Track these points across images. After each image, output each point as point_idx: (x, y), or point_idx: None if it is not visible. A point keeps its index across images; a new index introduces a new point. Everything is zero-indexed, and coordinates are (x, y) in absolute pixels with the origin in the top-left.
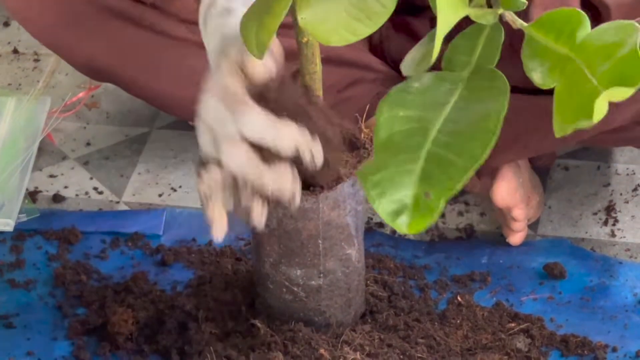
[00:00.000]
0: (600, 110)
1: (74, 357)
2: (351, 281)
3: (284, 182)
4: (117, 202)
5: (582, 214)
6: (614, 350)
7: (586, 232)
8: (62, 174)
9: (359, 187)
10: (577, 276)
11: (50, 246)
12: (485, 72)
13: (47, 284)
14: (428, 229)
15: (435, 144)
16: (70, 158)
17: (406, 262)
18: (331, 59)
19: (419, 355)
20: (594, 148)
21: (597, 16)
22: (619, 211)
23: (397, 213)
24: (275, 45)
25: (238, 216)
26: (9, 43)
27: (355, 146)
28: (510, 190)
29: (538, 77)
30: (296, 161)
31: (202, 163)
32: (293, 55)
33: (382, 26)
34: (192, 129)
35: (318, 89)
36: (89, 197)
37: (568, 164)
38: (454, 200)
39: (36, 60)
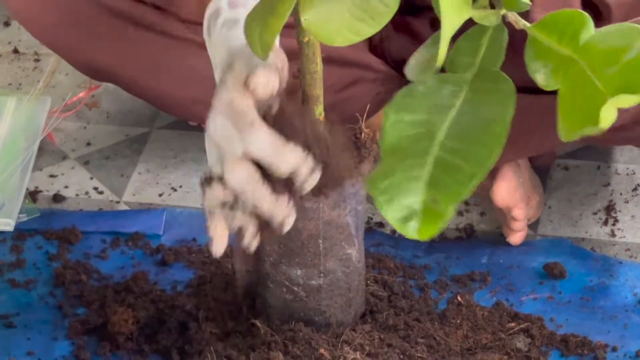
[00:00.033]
0: (607, 117)
1: (74, 356)
2: (351, 281)
3: (278, 206)
4: (118, 202)
5: (582, 213)
6: (614, 350)
7: (586, 232)
8: (62, 174)
9: (360, 186)
10: (577, 276)
11: (51, 246)
12: (489, 74)
13: (48, 284)
14: None
15: (442, 149)
16: (71, 158)
17: (406, 262)
18: (331, 58)
19: (419, 355)
20: (594, 148)
21: (598, 15)
22: (619, 211)
23: (406, 219)
24: (279, 60)
25: (234, 235)
26: (9, 43)
27: (356, 146)
28: (510, 190)
29: (541, 78)
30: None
31: (207, 179)
32: (294, 55)
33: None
34: (192, 129)
35: (319, 89)
36: (89, 196)
37: (568, 163)
38: None
39: (36, 60)
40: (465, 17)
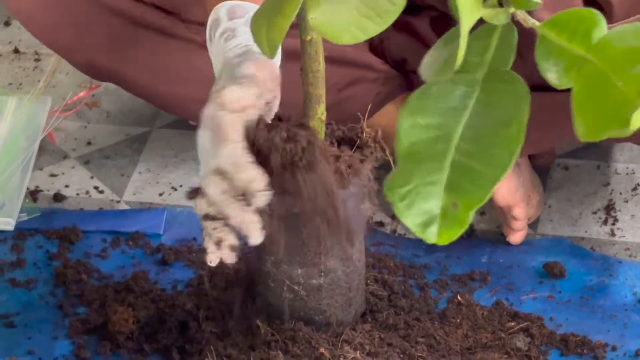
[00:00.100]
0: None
1: (74, 356)
2: (352, 280)
3: (245, 218)
4: (118, 202)
5: (582, 213)
6: (614, 349)
7: (586, 231)
8: (62, 173)
9: (360, 186)
10: (577, 275)
11: (51, 245)
12: (500, 74)
13: (48, 283)
14: None
15: (458, 152)
16: (71, 157)
17: (406, 261)
18: (332, 58)
19: (419, 354)
20: (594, 147)
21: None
22: (619, 210)
23: (426, 224)
24: (270, 80)
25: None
26: (9, 42)
27: (358, 146)
28: (510, 189)
29: (553, 77)
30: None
31: (193, 191)
32: (296, 54)
33: None
34: (192, 128)
35: (321, 88)
36: (90, 196)
37: (568, 163)
38: None
39: (37, 60)
40: (479, 15)
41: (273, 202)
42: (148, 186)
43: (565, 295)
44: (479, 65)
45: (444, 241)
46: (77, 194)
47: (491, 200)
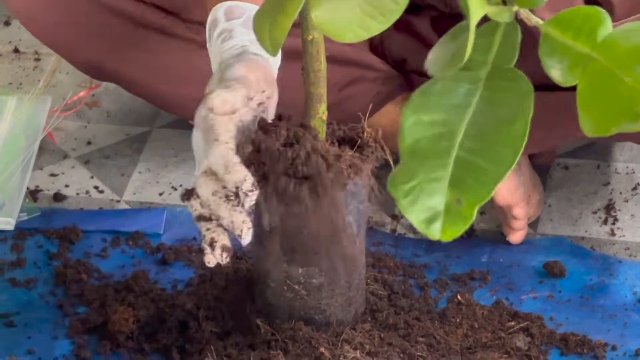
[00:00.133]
0: None
1: (74, 355)
2: (352, 280)
3: (236, 218)
4: (118, 201)
5: (582, 212)
6: (614, 348)
7: (586, 231)
8: (62, 173)
9: (361, 186)
10: (577, 275)
11: (51, 245)
12: (504, 72)
13: (48, 283)
14: None
15: (462, 149)
16: (71, 157)
17: (406, 261)
18: (333, 57)
19: (419, 354)
20: (594, 147)
21: None
22: (619, 210)
23: (430, 221)
24: (265, 84)
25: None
26: (9, 42)
27: (358, 145)
28: (510, 189)
29: (557, 74)
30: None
31: (187, 192)
32: (297, 54)
33: None
34: (192, 128)
35: (322, 87)
36: (90, 196)
37: (568, 162)
38: None
39: (37, 60)
40: (482, 12)
41: (273, 202)
42: (148, 186)
43: (565, 295)
44: (482, 62)
45: (448, 237)
46: (77, 194)
47: (491, 200)
